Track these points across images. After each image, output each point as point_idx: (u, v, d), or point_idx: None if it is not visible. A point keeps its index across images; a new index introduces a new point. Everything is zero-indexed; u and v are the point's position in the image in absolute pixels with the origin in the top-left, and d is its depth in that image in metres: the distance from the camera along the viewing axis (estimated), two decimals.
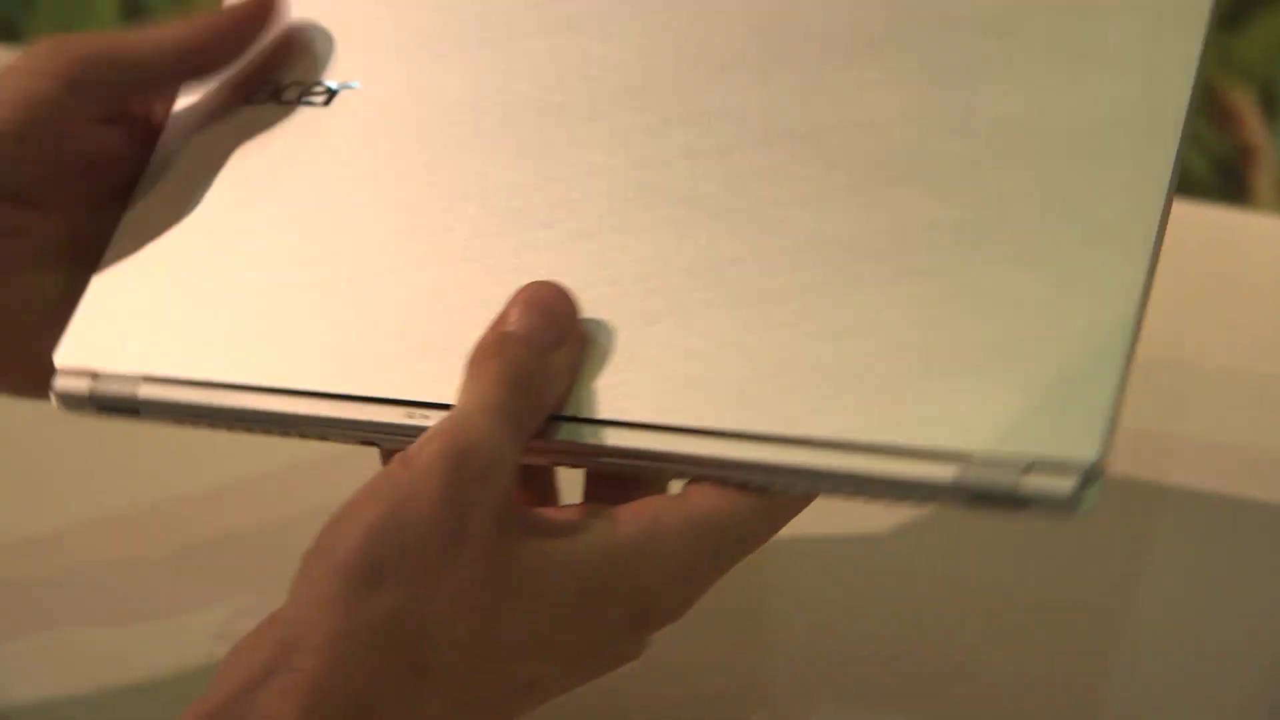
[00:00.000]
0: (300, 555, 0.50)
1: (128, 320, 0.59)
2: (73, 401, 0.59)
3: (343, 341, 0.56)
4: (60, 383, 0.60)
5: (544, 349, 0.52)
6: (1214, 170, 1.14)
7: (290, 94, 0.61)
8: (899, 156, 0.51)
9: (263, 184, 0.60)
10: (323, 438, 0.56)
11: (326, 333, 0.56)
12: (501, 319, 0.53)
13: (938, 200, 0.50)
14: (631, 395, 0.51)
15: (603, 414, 0.51)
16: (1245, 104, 1.30)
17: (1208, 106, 1.28)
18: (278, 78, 0.62)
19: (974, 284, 0.48)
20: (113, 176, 0.63)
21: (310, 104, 0.60)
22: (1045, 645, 0.62)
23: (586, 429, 0.52)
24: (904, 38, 0.52)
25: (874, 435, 0.47)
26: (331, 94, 0.60)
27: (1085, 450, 0.44)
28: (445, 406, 0.53)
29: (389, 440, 0.55)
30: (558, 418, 0.53)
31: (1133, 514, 0.68)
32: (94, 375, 0.59)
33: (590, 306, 0.53)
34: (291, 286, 0.57)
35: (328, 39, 0.61)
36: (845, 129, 0.52)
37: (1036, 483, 0.45)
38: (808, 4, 0.54)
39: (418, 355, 0.54)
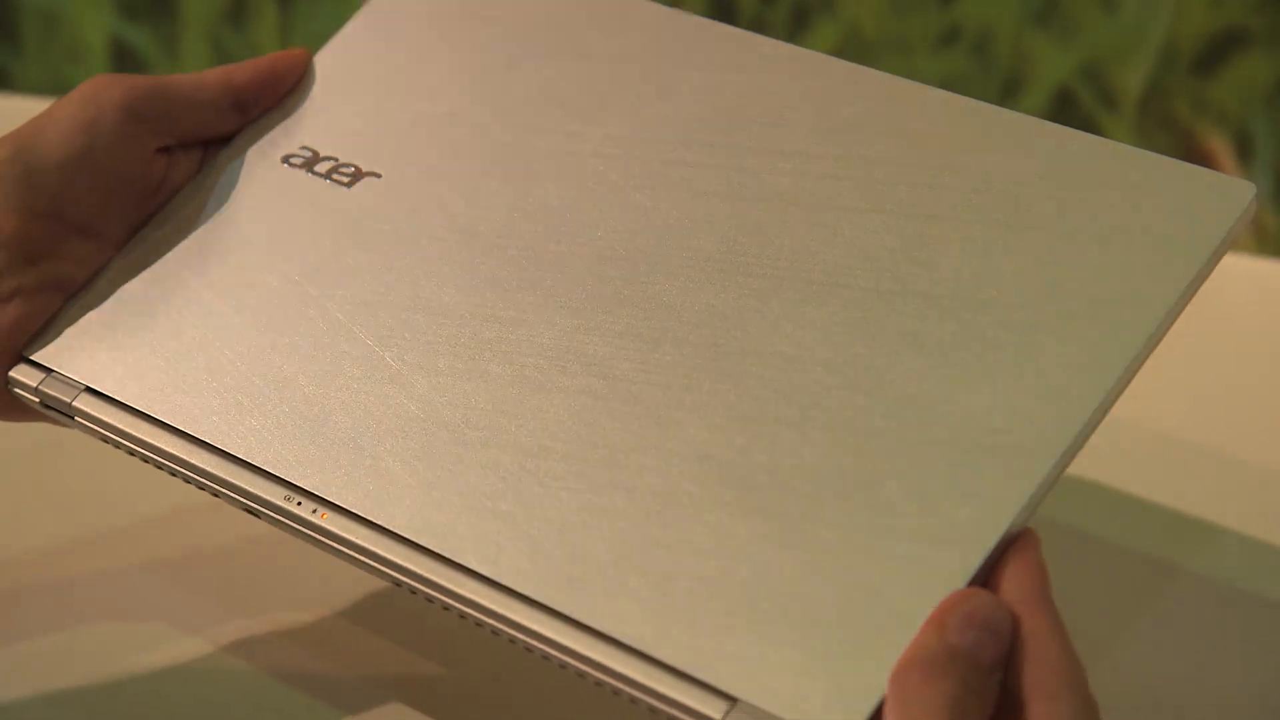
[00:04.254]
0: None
1: (98, 335, 0.62)
2: (22, 392, 0.62)
3: (268, 414, 0.58)
4: (17, 373, 0.62)
5: (990, 670, 0.48)
6: None
7: (322, 167, 0.65)
8: (802, 397, 0.54)
9: (265, 245, 0.63)
10: (215, 494, 0.59)
11: (260, 401, 0.59)
12: (941, 626, 0.48)
13: (818, 451, 0.53)
14: (470, 537, 0.54)
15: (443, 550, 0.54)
16: (1220, 148, 1.31)
17: (1184, 150, 1.30)
18: (316, 146, 0.65)
19: (812, 539, 0.51)
20: (163, 207, 0.66)
21: (336, 182, 0.64)
22: None
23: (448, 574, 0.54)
24: (858, 293, 0.56)
25: (662, 652, 0.50)
26: (356, 177, 0.64)
27: None
28: (330, 503, 0.56)
29: (266, 516, 0.58)
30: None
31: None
32: (48, 373, 0.62)
33: (480, 445, 0.56)
34: (251, 349, 0.60)
35: (371, 125, 0.65)
36: (766, 357, 0.55)
37: None
38: (788, 239, 0.58)
39: (331, 448, 0.57)
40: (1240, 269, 0.93)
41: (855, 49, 1.37)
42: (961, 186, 0.57)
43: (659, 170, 0.61)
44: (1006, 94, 1.35)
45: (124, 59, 1.48)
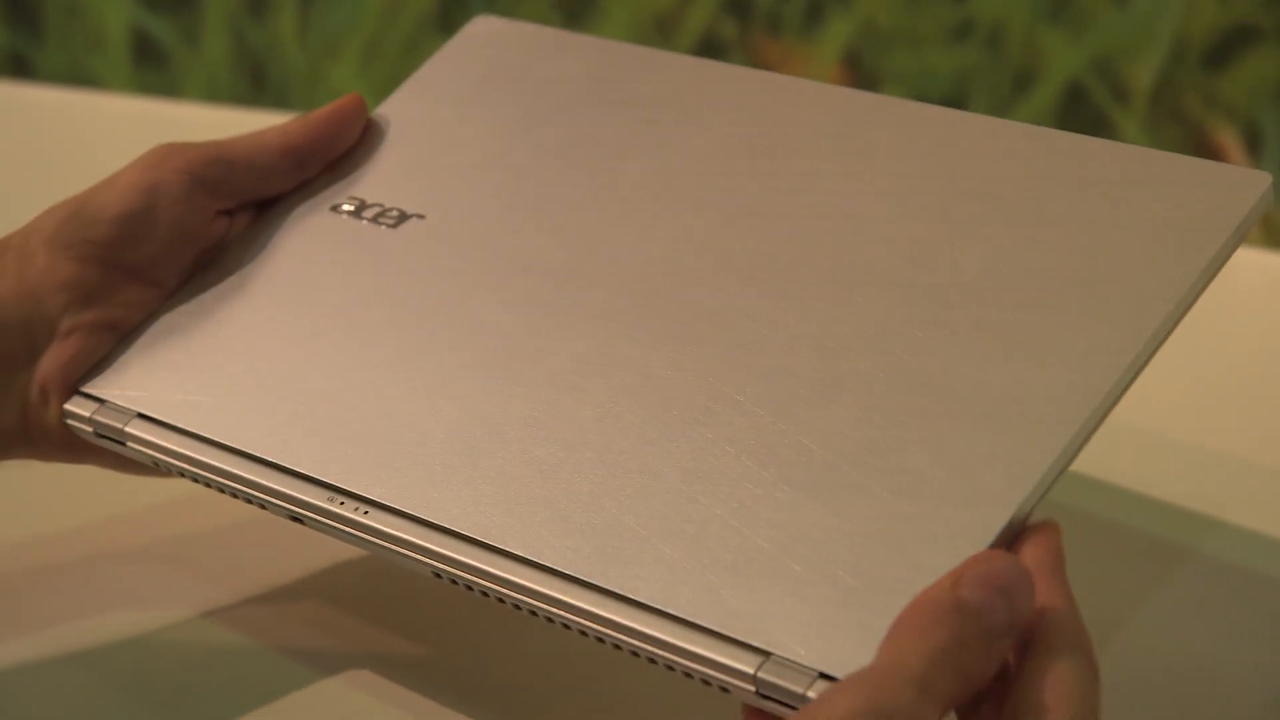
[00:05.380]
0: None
1: (147, 365, 0.65)
2: (76, 423, 0.64)
3: (311, 424, 0.60)
4: (71, 405, 0.64)
5: (994, 633, 0.48)
6: None
7: (369, 212, 0.67)
8: (830, 380, 0.56)
9: (311, 279, 0.66)
10: (262, 506, 0.61)
11: (304, 413, 0.61)
12: (956, 580, 0.48)
13: (844, 426, 0.54)
14: (507, 520, 0.56)
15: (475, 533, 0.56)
16: (1230, 141, 1.32)
17: (1193, 144, 1.31)
18: (364, 194, 0.68)
19: (838, 504, 0.52)
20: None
21: (382, 224, 0.67)
22: None
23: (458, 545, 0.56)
24: (884, 288, 0.58)
25: (693, 613, 0.51)
26: (401, 219, 0.66)
27: None
28: (376, 503, 0.57)
29: (312, 521, 0.59)
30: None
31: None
32: (101, 403, 0.64)
33: (517, 437, 0.58)
34: (294, 367, 0.62)
35: (416, 175, 0.68)
36: (795, 347, 0.57)
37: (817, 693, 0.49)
38: (817, 247, 0.60)
39: (372, 452, 0.59)
40: (1249, 262, 0.94)
41: (869, 42, 1.38)
42: (981, 193, 0.59)
43: (691, 196, 0.63)
44: (1018, 87, 1.37)
45: (144, 49, 1.49)
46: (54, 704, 0.63)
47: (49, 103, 1.20)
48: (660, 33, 1.41)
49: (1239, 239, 0.55)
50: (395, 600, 0.67)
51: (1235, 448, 0.76)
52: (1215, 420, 0.78)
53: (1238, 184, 0.56)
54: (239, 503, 0.61)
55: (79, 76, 1.50)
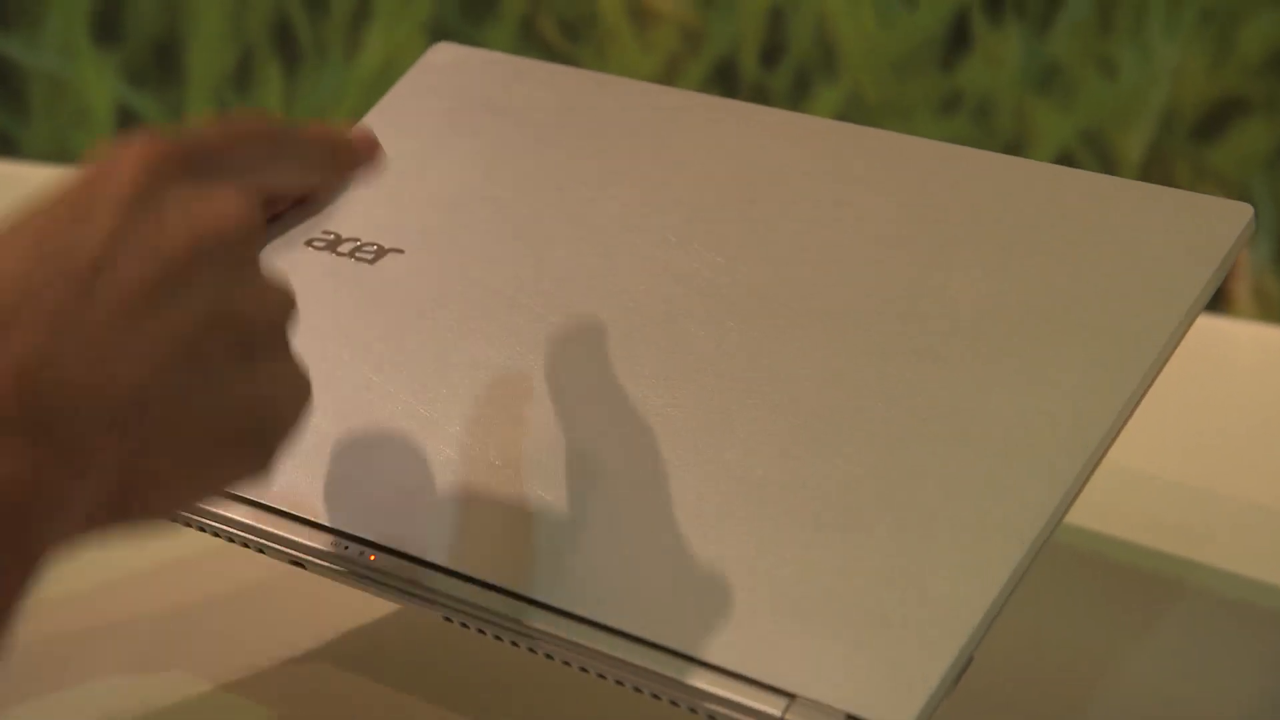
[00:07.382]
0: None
1: None
2: None
3: (308, 468, 0.60)
4: None
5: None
6: None
7: (345, 248, 0.66)
8: (834, 417, 0.56)
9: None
10: (260, 550, 0.60)
11: (299, 458, 0.59)
12: None
13: (854, 463, 0.54)
14: (523, 562, 0.55)
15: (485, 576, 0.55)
16: None
17: None
18: (338, 228, 0.67)
19: (856, 544, 0.52)
20: None
21: (360, 259, 0.66)
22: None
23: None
24: (878, 320, 0.58)
25: (717, 656, 0.51)
26: (380, 254, 0.66)
27: (899, 718, 0.49)
28: (377, 546, 0.57)
29: (314, 565, 0.59)
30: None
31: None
32: None
33: (523, 479, 0.57)
34: None
35: (391, 208, 0.67)
36: (796, 384, 0.57)
37: None
38: (807, 280, 0.60)
39: (372, 495, 0.59)
40: (1243, 334, 0.94)
41: (857, 114, 1.38)
42: (970, 224, 0.60)
43: (675, 228, 0.63)
44: None
45: (130, 125, 1.49)
46: None
47: (35, 180, 1.19)
48: None
49: (1225, 270, 0.56)
50: (406, 660, 0.66)
51: (1226, 495, 0.78)
52: (1209, 475, 0.80)
53: (1222, 216, 0.57)
54: (237, 566, 0.60)
55: (65, 154, 1.51)
